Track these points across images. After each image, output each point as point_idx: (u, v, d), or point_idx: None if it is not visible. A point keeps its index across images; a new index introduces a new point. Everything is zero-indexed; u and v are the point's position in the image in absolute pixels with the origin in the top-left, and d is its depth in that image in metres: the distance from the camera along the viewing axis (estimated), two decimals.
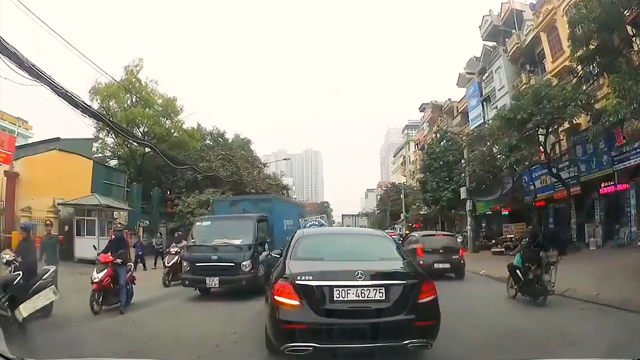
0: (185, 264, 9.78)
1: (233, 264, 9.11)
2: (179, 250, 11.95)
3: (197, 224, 10.76)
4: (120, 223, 20.34)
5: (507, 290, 8.86)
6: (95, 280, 7.47)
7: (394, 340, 3.91)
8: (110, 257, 7.79)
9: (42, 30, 11.84)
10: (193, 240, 10.00)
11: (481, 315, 7.27)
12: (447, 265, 12.60)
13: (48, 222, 10.52)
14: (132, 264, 8.66)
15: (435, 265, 12.02)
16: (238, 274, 9.06)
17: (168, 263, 11.83)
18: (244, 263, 9.12)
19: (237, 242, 9.43)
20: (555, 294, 8.09)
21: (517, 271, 8.35)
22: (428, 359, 4.45)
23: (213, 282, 9.13)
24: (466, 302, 8.31)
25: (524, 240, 9.17)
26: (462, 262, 13.04)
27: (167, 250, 13.66)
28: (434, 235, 15.66)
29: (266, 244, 10.07)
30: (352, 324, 4.03)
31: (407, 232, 31.34)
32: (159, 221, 25.38)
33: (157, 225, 24.58)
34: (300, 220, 15.61)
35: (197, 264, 9.37)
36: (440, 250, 12.90)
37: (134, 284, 8.44)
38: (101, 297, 7.48)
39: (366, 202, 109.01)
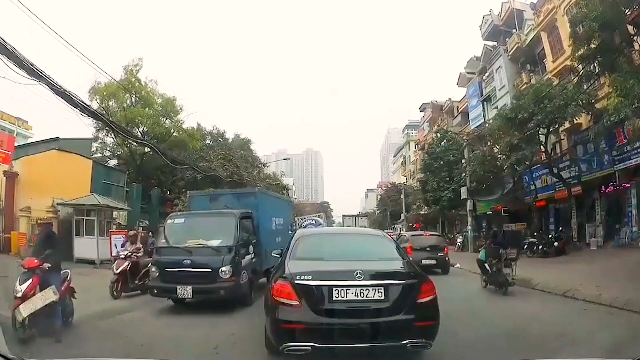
0: (153, 269, 8.33)
1: (210, 270, 7.70)
2: (130, 253, 9.99)
3: (168, 221, 9.06)
4: (119, 222, 20.50)
5: (480, 281, 10.21)
6: (18, 295, 5.41)
7: (393, 340, 3.89)
8: (36, 261, 5.68)
9: (42, 29, 11.75)
10: (164, 240, 8.53)
11: (482, 315, 7.27)
12: (433, 262, 13.89)
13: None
14: (68, 271, 6.43)
15: (423, 262, 12.91)
16: (215, 281, 7.66)
17: (117, 269, 9.57)
18: (222, 269, 7.71)
19: (215, 243, 8.04)
20: (555, 294, 8.45)
21: (485, 265, 9.76)
22: (427, 359, 4.42)
23: (185, 291, 7.67)
24: (468, 304, 8.32)
25: (487, 239, 10.77)
26: (447, 259, 14.70)
27: (114, 254, 11.36)
28: (422, 235, 17.30)
29: (250, 246, 8.84)
30: (351, 324, 4.01)
31: (402, 232, 31.61)
32: (159, 221, 25.30)
33: (156, 225, 24.52)
34: (294, 218, 15.21)
35: (167, 269, 7.93)
36: (428, 248, 14.36)
37: (74, 297, 6.45)
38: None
39: (366, 202, 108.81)
